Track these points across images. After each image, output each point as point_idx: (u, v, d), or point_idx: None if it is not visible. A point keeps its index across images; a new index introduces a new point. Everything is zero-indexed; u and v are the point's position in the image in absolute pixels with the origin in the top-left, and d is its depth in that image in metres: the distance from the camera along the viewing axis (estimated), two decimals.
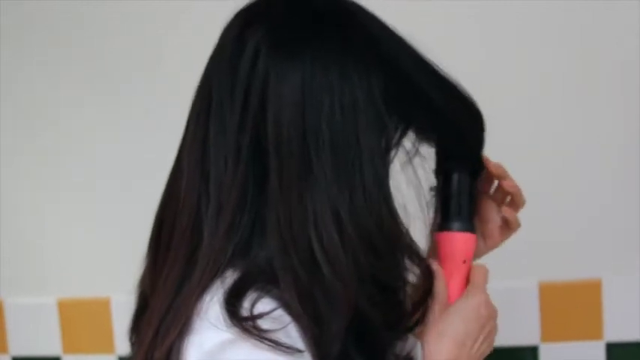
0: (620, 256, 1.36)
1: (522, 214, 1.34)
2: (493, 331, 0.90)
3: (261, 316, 0.76)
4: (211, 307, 0.77)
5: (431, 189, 0.92)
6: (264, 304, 0.77)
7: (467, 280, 0.90)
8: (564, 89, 1.34)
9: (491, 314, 0.89)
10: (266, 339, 0.75)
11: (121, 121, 1.42)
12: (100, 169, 1.43)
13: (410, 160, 0.87)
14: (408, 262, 0.84)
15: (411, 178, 0.88)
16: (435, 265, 0.89)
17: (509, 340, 1.39)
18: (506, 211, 0.94)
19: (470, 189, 0.90)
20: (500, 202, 0.96)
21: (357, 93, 0.79)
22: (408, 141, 0.88)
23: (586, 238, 1.37)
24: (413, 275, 0.86)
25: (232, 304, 0.76)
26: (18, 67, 1.44)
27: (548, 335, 1.39)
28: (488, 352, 0.90)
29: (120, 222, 1.44)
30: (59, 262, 1.48)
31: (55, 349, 1.50)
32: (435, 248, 0.93)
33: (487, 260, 1.32)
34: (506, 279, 1.38)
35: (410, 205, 0.95)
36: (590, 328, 1.38)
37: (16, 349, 1.51)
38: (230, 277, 0.79)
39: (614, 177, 1.35)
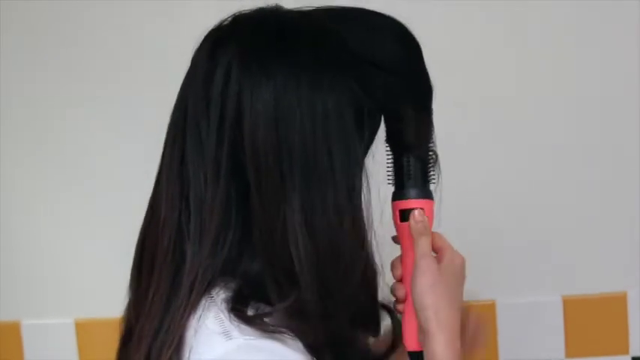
0: None
1: (546, 228, 1.34)
2: None
3: (267, 314, 0.78)
4: (210, 318, 0.78)
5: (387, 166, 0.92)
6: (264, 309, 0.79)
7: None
8: (584, 95, 1.34)
9: (465, 275, 0.90)
10: (278, 332, 0.77)
11: (128, 128, 1.41)
12: (117, 184, 1.42)
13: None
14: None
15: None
16: (421, 215, 0.88)
17: (534, 356, 1.38)
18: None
19: (421, 157, 0.90)
20: None
21: (328, 104, 0.79)
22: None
23: (610, 250, 1.35)
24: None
25: (238, 309, 0.78)
26: (18, 67, 1.44)
27: (573, 350, 1.37)
28: None
29: None
30: (76, 283, 1.47)
31: None
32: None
33: (509, 274, 1.34)
34: (529, 294, 1.38)
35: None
36: (616, 343, 1.37)
37: None
38: (222, 293, 0.79)
39: (639, 190, 1.34)
